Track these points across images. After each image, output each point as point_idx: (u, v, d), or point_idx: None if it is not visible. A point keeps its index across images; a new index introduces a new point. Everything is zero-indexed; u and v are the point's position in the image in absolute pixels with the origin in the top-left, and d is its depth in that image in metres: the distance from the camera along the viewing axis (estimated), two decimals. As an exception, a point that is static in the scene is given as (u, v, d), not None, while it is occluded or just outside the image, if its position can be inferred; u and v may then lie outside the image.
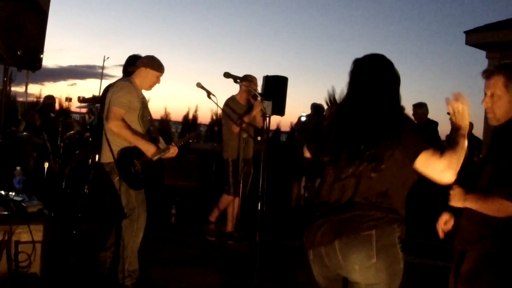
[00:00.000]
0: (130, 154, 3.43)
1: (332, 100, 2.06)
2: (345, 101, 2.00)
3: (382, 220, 1.82)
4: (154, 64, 3.56)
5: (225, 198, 5.12)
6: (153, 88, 3.65)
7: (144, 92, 3.64)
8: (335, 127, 1.97)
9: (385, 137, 1.82)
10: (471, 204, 2.04)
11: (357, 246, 1.81)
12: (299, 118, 7.70)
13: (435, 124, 6.49)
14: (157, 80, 3.61)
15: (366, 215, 1.82)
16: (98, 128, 4.48)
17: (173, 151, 3.58)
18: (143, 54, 3.72)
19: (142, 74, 3.55)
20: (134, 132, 3.43)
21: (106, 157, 3.49)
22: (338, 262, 1.85)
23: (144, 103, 3.61)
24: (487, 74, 2.11)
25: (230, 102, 4.96)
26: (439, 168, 1.79)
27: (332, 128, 1.98)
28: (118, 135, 3.39)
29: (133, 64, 3.73)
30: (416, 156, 1.81)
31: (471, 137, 6.80)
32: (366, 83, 1.94)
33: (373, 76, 1.94)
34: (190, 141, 3.85)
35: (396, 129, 1.83)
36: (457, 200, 2.07)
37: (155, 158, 3.47)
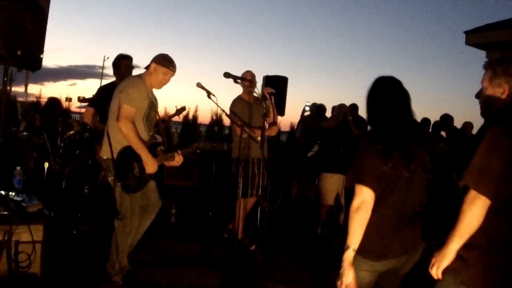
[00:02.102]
0: (130, 155, 3.35)
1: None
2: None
3: None
4: (161, 59, 3.44)
5: (238, 204, 4.79)
6: (163, 87, 3.51)
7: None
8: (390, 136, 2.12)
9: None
10: (453, 240, 1.90)
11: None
12: (304, 108, 7.76)
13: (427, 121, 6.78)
14: (165, 78, 3.45)
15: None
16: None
17: (177, 159, 3.49)
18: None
19: (151, 70, 3.44)
20: (141, 139, 3.33)
21: (105, 152, 3.40)
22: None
23: (152, 103, 3.49)
24: (483, 66, 2.14)
25: (236, 104, 4.88)
26: None
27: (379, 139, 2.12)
28: (124, 136, 3.29)
29: (117, 63, 3.86)
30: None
31: (470, 138, 6.79)
32: (381, 102, 2.23)
33: (387, 95, 2.23)
34: (198, 151, 3.69)
35: None
36: (440, 260, 1.97)
37: (158, 164, 3.41)
